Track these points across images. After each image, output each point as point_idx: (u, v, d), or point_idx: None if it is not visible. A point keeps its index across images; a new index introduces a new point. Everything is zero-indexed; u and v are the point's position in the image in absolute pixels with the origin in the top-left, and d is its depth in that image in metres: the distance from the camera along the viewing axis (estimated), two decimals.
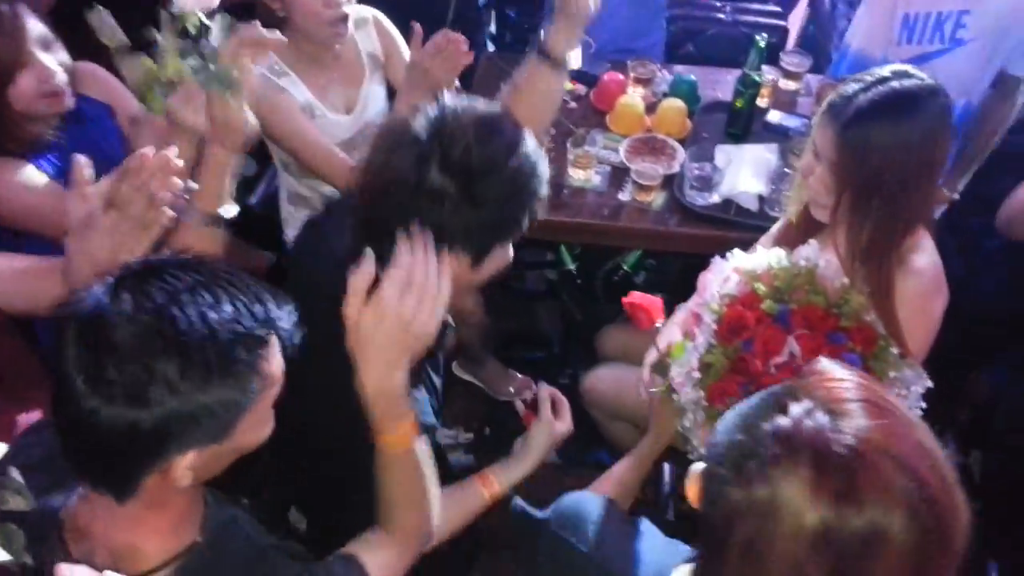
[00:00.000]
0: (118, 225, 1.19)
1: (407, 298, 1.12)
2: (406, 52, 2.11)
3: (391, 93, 2.30)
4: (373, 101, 2.27)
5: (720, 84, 2.75)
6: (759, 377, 1.37)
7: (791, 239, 1.68)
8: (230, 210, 1.46)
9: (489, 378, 2.75)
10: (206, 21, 1.33)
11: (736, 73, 2.52)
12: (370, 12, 2.27)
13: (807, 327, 1.38)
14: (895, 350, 1.41)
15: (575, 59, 1.68)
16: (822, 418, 0.78)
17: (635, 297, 1.60)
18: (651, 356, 1.64)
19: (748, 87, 2.46)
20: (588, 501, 1.22)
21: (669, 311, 1.72)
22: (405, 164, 1.24)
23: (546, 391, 1.68)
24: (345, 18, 2.08)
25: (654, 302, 1.58)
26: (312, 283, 1.48)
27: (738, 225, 2.28)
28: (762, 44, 2.43)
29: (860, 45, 2.42)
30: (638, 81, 2.68)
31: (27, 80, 1.64)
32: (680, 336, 1.52)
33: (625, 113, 2.58)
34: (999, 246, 2.21)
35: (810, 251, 1.46)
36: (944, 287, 1.61)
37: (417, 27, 1.89)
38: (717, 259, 1.56)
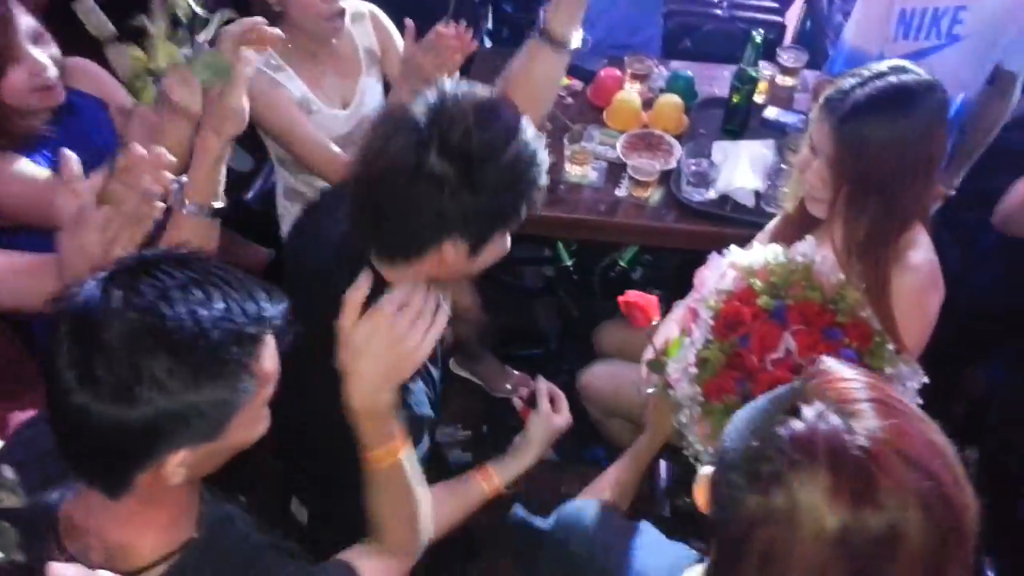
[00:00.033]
0: (110, 220, 1.18)
1: (402, 318, 1.13)
2: (402, 47, 2.11)
3: (387, 88, 2.30)
4: (370, 96, 2.27)
5: (717, 80, 2.75)
6: (755, 373, 1.37)
7: (788, 235, 1.68)
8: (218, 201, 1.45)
9: (486, 375, 2.76)
10: (197, 9, 1.32)
11: (733, 69, 2.52)
12: (367, 7, 2.27)
13: (803, 323, 1.38)
14: (891, 346, 1.41)
15: (576, 39, 1.65)
16: (835, 420, 0.77)
17: (631, 296, 1.59)
18: (648, 353, 1.64)
19: (745, 83, 2.46)
20: (589, 508, 1.22)
21: (666, 308, 1.72)
22: (404, 149, 1.23)
23: (543, 385, 1.68)
24: (341, 12, 2.08)
25: (650, 300, 1.58)
26: (308, 270, 1.48)
27: (735, 221, 2.28)
28: (758, 40, 2.43)
29: (856, 41, 2.42)
30: (635, 77, 2.68)
31: (18, 74, 1.64)
32: (677, 333, 1.52)
33: (622, 109, 2.57)
34: (995, 241, 2.21)
35: (807, 247, 1.46)
36: (940, 283, 1.61)
37: (410, 23, 1.88)
38: (714, 255, 1.56)
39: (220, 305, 0.93)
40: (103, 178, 1.20)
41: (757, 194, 2.33)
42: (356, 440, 1.18)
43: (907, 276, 1.56)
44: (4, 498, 0.97)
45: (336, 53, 2.20)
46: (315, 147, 2.11)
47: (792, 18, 3.45)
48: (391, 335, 1.12)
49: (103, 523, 0.99)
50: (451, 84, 1.29)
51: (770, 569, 0.79)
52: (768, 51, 2.64)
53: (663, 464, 2.21)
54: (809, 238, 1.50)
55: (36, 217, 1.68)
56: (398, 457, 1.20)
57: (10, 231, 1.73)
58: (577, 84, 2.71)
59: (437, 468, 1.33)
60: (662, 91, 2.65)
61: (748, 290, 1.42)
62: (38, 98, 1.68)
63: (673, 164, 2.42)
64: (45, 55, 1.67)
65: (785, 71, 2.71)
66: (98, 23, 1.55)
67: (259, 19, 1.38)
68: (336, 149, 2.11)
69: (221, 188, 1.40)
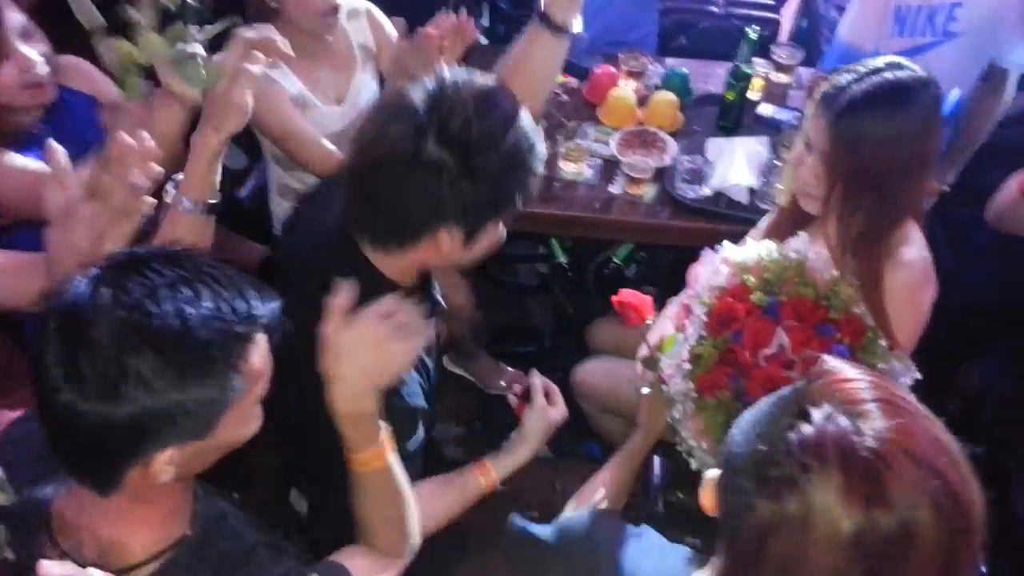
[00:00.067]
0: (99, 215, 1.17)
1: (386, 324, 1.13)
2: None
3: (383, 85, 2.29)
4: (365, 93, 2.26)
5: (712, 77, 2.75)
6: (748, 369, 1.37)
7: (781, 231, 1.68)
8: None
9: (480, 372, 2.75)
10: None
11: (728, 66, 2.52)
12: (363, 4, 2.26)
13: (796, 319, 1.38)
14: (883, 342, 1.41)
15: (577, 24, 1.63)
16: (843, 422, 0.77)
17: (625, 295, 1.59)
18: (643, 350, 1.64)
19: (739, 80, 2.46)
20: (590, 517, 1.22)
21: (660, 305, 1.72)
22: (401, 136, 1.22)
23: (538, 380, 1.67)
24: (336, 9, 2.07)
25: (644, 300, 1.58)
26: (300, 262, 1.47)
27: (729, 218, 2.28)
28: (753, 37, 2.43)
29: (851, 38, 2.42)
30: (630, 74, 2.68)
31: (8, 71, 1.63)
32: (672, 329, 1.52)
33: (617, 106, 2.57)
34: (989, 238, 2.22)
35: (800, 243, 1.46)
36: (933, 279, 1.61)
37: (399, 21, 1.88)
38: (707, 252, 1.56)
39: (209, 304, 0.92)
40: (91, 170, 1.19)
41: (751, 191, 2.33)
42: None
43: (900, 272, 1.56)
44: None
45: (331, 49, 2.20)
46: (310, 144, 2.10)
47: (787, 15, 3.45)
48: (374, 339, 1.12)
49: (95, 520, 0.99)
50: (450, 72, 1.27)
51: (788, 575, 0.79)
52: (763, 48, 2.64)
53: (656, 460, 2.21)
54: (802, 234, 1.50)
55: (29, 210, 1.67)
56: (384, 461, 1.19)
57: (8, 230, 1.72)
58: (572, 81, 2.70)
59: (431, 462, 1.32)
60: (657, 88, 2.65)
61: (741, 286, 1.42)
62: (29, 95, 1.67)
63: (668, 161, 2.42)
64: (35, 51, 1.67)
65: (780, 68, 2.71)
66: (88, 14, 1.54)
67: (277, 37, 1.37)
68: (330, 146, 2.10)
69: (217, 184, 1.39)
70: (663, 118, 2.55)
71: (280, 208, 2.40)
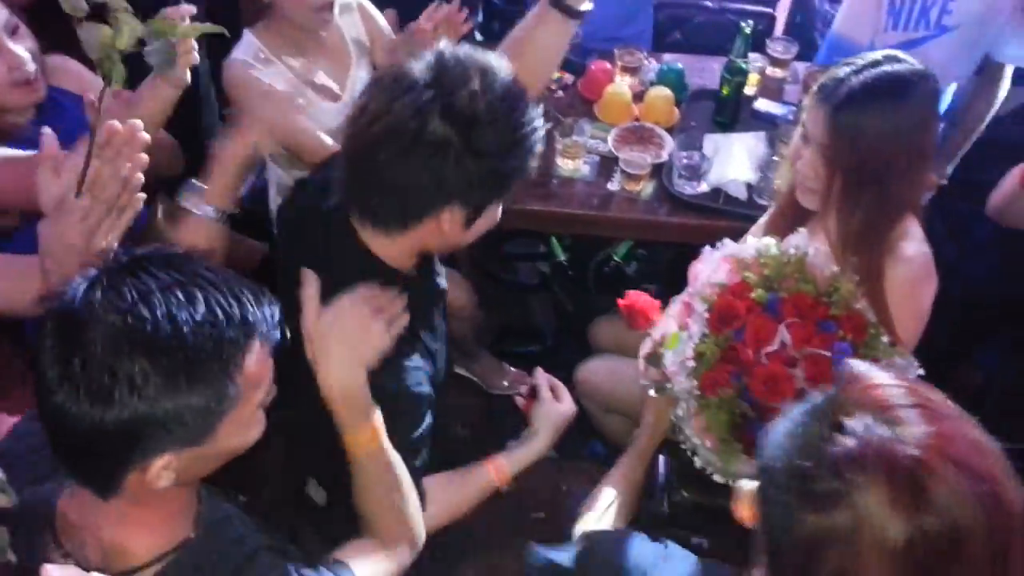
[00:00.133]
0: (91, 210, 1.16)
1: (365, 304, 1.17)
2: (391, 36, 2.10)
3: None
4: (361, 87, 2.26)
5: (707, 72, 2.74)
6: (750, 366, 1.37)
7: (780, 228, 1.68)
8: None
9: (483, 372, 2.75)
10: None
11: (723, 61, 2.51)
12: None
13: (797, 315, 1.37)
14: (885, 338, 1.41)
15: (587, 4, 1.60)
16: (883, 430, 0.77)
17: (632, 298, 1.57)
18: (646, 348, 1.64)
19: (734, 75, 2.46)
20: (613, 538, 1.20)
21: (662, 302, 1.71)
22: (403, 113, 1.18)
23: (542, 376, 1.66)
24: (331, 4, 2.06)
25: (652, 304, 1.56)
26: (298, 242, 1.45)
27: (727, 214, 2.28)
28: (748, 31, 2.42)
29: (846, 32, 2.42)
30: (625, 70, 2.67)
31: None
32: (674, 327, 1.52)
33: (613, 102, 2.57)
34: (990, 232, 2.22)
35: (800, 239, 1.46)
36: (933, 274, 1.61)
37: (392, 14, 1.87)
38: (707, 249, 1.56)
39: (203, 309, 0.91)
40: (81, 155, 1.17)
41: (749, 186, 2.33)
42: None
43: (900, 267, 1.56)
44: None
45: (326, 45, 2.19)
46: (309, 140, 2.09)
47: (782, 9, 3.44)
48: (355, 316, 1.16)
49: (97, 522, 0.99)
50: (451, 47, 1.24)
51: None
52: (758, 43, 2.63)
53: (660, 459, 2.21)
54: (802, 230, 1.50)
55: (22, 200, 1.64)
56: (379, 441, 1.20)
57: (8, 235, 1.71)
58: (568, 77, 2.70)
59: (438, 453, 1.31)
60: (653, 84, 2.64)
61: (742, 283, 1.41)
62: (20, 94, 1.65)
63: (665, 157, 2.42)
64: (23, 48, 1.64)
65: (775, 63, 2.70)
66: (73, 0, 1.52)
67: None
68: (330, 141, 2.10)
69: (240, 194, 1.40)
70: (659, 114, 2.54)
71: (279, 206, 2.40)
